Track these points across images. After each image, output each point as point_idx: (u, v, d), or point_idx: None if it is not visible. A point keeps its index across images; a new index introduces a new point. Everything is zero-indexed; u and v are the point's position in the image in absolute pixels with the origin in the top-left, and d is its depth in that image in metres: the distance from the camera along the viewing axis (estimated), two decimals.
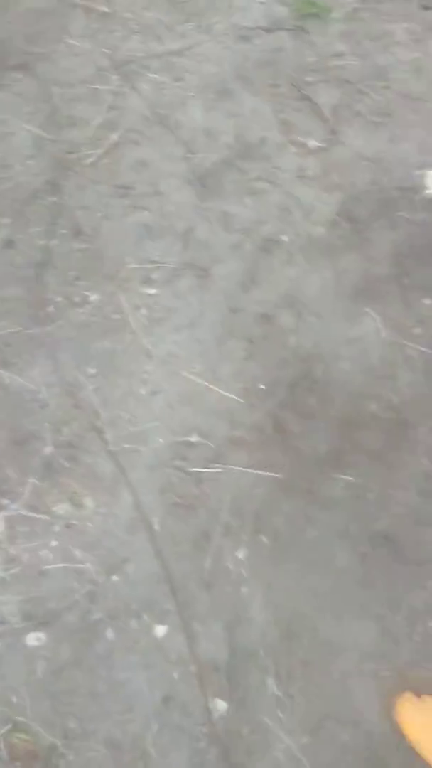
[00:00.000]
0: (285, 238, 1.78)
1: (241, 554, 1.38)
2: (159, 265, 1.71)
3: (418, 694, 1.24)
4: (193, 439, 1.49)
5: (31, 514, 1.39)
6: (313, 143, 1.94)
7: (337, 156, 1.92)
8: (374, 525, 1.43)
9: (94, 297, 1.65)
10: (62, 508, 1.41)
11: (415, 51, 2.14)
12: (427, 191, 1.85)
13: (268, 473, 1.46)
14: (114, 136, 1.92)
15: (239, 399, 1.54)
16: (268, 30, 2.15)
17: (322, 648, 1.30)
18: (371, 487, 1.47)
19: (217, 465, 1.47)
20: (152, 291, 1.67)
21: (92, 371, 1.55)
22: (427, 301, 1.67)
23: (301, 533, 1.41)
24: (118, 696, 1.24)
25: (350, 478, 1.48)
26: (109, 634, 1.29)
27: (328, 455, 1.50)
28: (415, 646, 1.31)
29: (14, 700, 1.22)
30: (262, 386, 1.56)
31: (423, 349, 1.61)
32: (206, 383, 1.55)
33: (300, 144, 1.94)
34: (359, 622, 1.33)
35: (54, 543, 1.37)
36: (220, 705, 1.25)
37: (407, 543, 1.41)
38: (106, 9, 2.16)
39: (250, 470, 1.46)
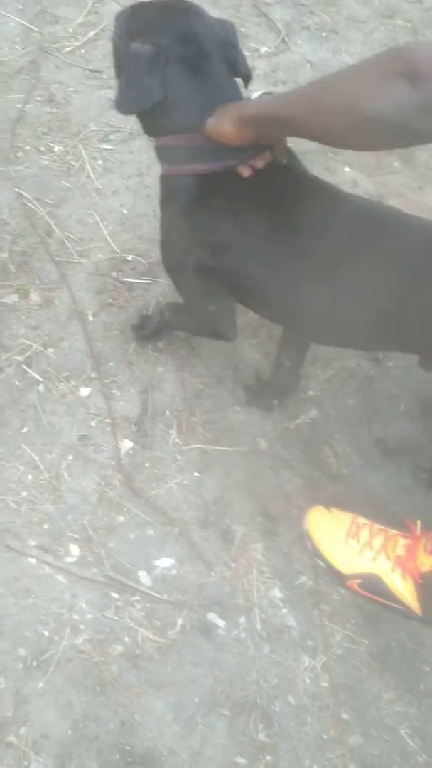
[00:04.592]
0: None
1: (160, 344, 1.61)
2: (117, 129, 1.97)
3: (327, 507, 1.41)
4: (130, 257, 1.74)
5: None
6: (264, 49, 2.21)
7: (285, 59, 2.19)
8: None
9: (58, 148, 1.91)
10: (11, 299, 1.65)
11: None
12: None
13: None
14: (91, 33, 2.19)
15: None
16: None
17: (220, 409, 1.53)
18: None
19: (147, 278, 1.71)
20: (109, 147, 1.93)
21: (50, 201, 1.80)
22: None
23: None
24: (42, 431, 1.47)
25: None
26: (41, 388, 1.52)
27: None
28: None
29: None
30: None
31: None
32: (146, 218, 1.81)
33: (253, 50, 2.21)
34: None
35: (1, 326, 1.61)
36: (128, 444, 1.47)
37: None
38: None
39: None
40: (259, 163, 1.15)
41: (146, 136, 1.28)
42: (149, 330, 1.57)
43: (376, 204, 1.23)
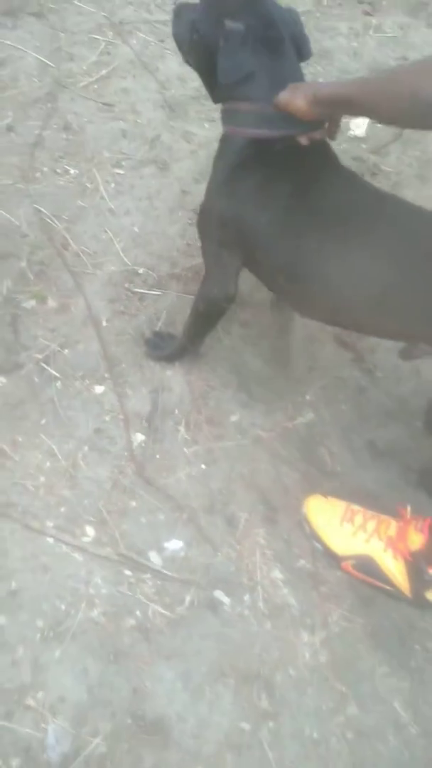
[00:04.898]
0: None
1: None
2: (129, 156, 2.13)
3: (325, 495, 1.53)
4: (141, 270, 1.87)
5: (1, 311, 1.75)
6: None
7: None
8: None
9: (73, 171, 2.06)
10: (29, 304, 1.76)
11: (354, 42, 2.66)
12: (350, 132, 2.31)
13: None
14: (104, 71, 2.37)
15: (181, 249, 1.92)
16: None
17: (225, 409, 1.65)
18: None
19: (157, 289, 1.84)
20: (121, 172, 2.08)
21: (66, 218, 1.94)
22: None
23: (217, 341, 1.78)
24: (60, 423, 1.57)
25: None
26: (58, 384, 1.63)
27: None
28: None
29: None
30: None
31: None
32: (156, 236, 1.95)
33: None
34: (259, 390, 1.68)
35: (20, 327, 1.72)
36: (140, 437, 1.58)
37: None
38: None
39: (183, 295, 1.83)
40: (317, 136, 1.32)
41: (214, 102, 1.41)
42: (164, 353, 1.70)
43: (389, 194, 1.38)
